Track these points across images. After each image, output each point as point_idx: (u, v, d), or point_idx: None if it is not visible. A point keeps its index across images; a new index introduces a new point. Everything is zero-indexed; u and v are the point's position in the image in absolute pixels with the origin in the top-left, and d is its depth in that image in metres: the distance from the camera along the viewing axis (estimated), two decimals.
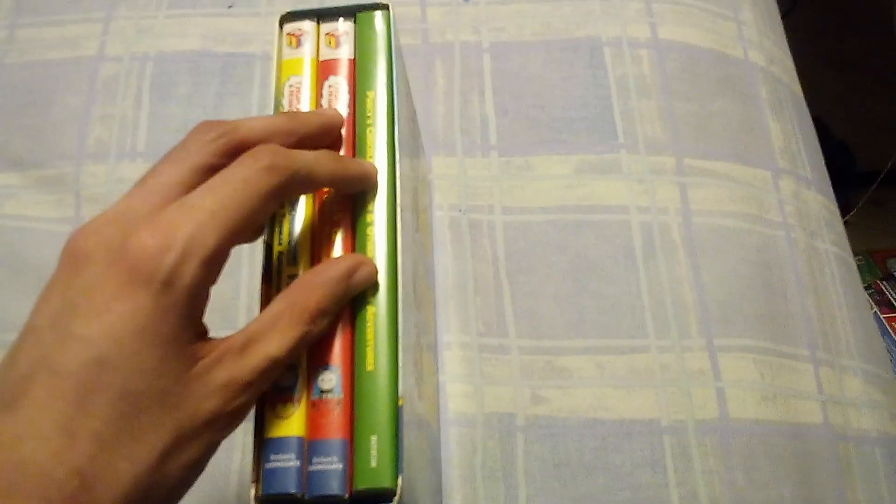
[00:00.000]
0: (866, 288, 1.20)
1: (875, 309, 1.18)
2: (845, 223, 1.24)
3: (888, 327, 1.17)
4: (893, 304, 1.18)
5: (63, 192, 0.51)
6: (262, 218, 0.26)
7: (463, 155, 0.51)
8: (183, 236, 0.23)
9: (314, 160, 0.28)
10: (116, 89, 0.54)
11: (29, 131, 0.54)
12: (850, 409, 0.46)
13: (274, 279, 0.30)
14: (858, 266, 1.20)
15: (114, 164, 0.52)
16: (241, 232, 0.25)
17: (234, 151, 0.27)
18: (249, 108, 0.53)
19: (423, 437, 0.35)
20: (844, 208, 1.24)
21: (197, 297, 0.24)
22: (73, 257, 0.24)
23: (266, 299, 0.29)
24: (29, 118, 0.54)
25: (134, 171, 0.51)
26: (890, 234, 1.26)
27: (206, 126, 0.27)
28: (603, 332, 0.45)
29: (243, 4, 0.58)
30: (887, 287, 1.20)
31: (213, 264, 0.24)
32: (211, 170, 0.26)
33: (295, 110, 0.32)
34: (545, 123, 0.52)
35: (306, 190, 0.29)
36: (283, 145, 0.28)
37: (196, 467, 0.25)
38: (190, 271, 0.23)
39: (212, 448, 0.25)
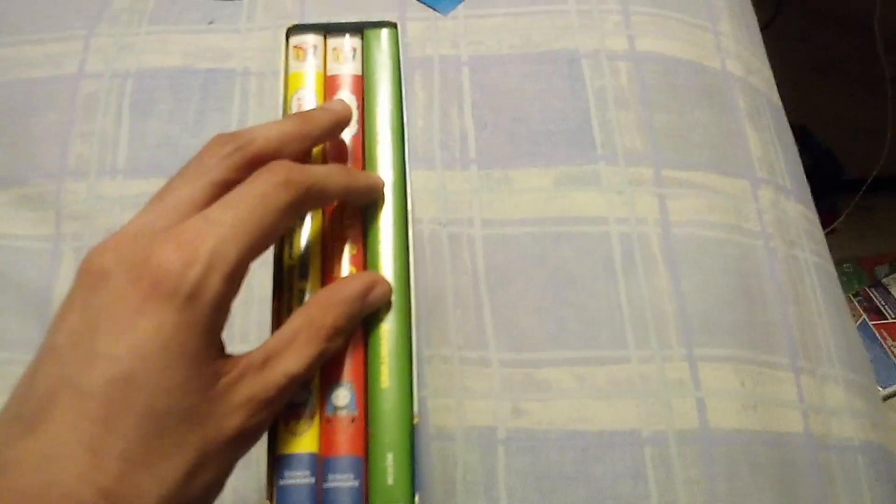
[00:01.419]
0: (854, 295, 1.21)
1: (864, 316, 1.19)
2: (832, 231, 1.25)
3: (877, 334, 1.17)
4: (882, 312, 1.19)
5: (44, 210, 0.51)
6: (279, 233, 0.27)
7: (442, 168, 0.51)
8: (206, 250, 0.24)
9: (326, 174, 0.28)
10: (97, 106, 0.54)
11: (9, 149, 0.54)
12: (832, 417, 0.46)
13: (285, 294, 0.30)
14: (846, 273, 1.22)
15: (94, 180, 0.52)
16: (260, 247, 0.25)
17: (250, 165, 0.27)
18: (229, 123, 0.53)
19: None
20: (832, 215, 1.25)
21: (219, 312, 0.24)
22: (91, 275, 0.24)
23: (277, 314, 0.30)
24: (9, 136, 0.54)
25: (114, 187, 0.51)
26: (877, 241, 1.26)
27: (221, 139, 0.27)
28: (583, 343, 0.45)
29: (223, 21, 0.58)
30: (875, 294, 1.21)
31: (236, 278, 0.25)
32: (228, 185, 0.26)
33: (304, 111, 0.32)
34: (524, 136, 0.52)
35: (320, 204, 0.30)
36: (299, 150, 0.29)
37: (217, 486, 0.25)
38: (213, 286, 0.24)
39: (231, 466, 0.25)
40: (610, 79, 0.54)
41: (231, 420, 0.24)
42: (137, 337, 0.23)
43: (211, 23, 0.58)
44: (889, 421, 0.49)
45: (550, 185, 0.50)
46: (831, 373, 0.47)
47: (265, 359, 0.26)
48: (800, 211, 0.54)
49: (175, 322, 0.23)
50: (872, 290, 1.22)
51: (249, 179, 0.26)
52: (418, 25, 0.57)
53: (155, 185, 0.50)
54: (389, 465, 0.27)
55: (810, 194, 0.56)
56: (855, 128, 1.30)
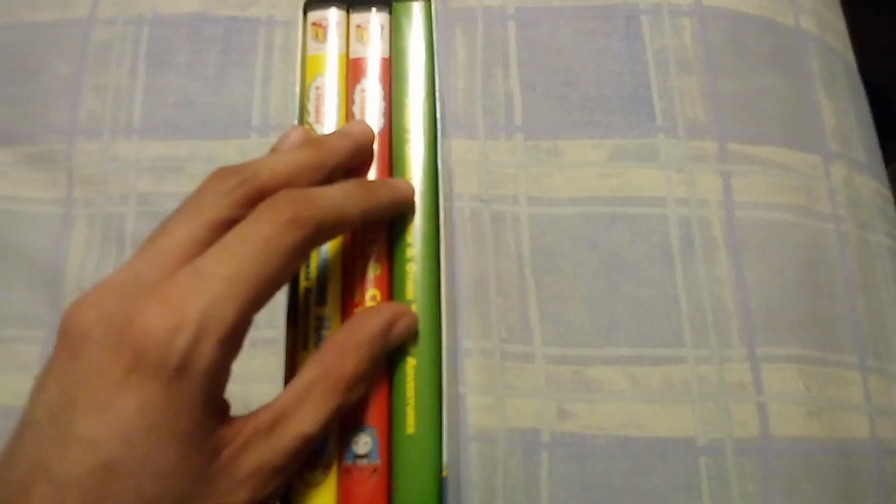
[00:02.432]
0: None
1: None
2: None
3: None
4: None
5: (55, 171, 0.47)
6: (286, 278, 0.23)
7: (485, 137, 0.46)
8: (196, 312, 0.20)
9: (342, 199, 0.24)
10: (110, 57, 0.50)
11: (17, 102, 0.49)
12: None
13: (301, 321, 0.26)
14: None
15: (108, 140, 0.48)
16: (264, 298, 0.22)
17: (254, 201, 0.23)
18: (253, 79, 0.48)
19: None
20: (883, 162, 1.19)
21: (215, 380, 0.21)
22: (69, 335, 0.21)
23: (292, 344, 0.26)
24: (16, 87, 0.50)
25: (130, 149, 0.47)
26: None
27: (222, 174, 0.23)
28: (636, 340, 0.42)
29: None
30: None
31: (233, 340, 0.21)
32: (228, 224, 0.23)
33: (314, 122, 0.28)
34: (576, 102, 0.47)
35: (337, 235, 0.25)
36: (311, 182, 0.24)
37: None
38: (206, 353, 0.20)
39: None
40: (672, 38, 0.49)
41: (238, 496, 0.21)
42: (119, 417, 0.19)
43: None
44: None
45: (604, 159, 0.46)
46: None
47: (274, 420, 0.22)
48: (873, 188, 0.49)
49: (163, 399, 0.20)
50: None
51: (250, 218, 0.22)
52: None
53: (173, 147, 0.47)
54: None
55: (884, 166, 0.52)
56: None
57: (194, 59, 0.50)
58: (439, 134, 0.28)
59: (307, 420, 0.23)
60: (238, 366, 0.22)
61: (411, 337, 0.26)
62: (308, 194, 0.23)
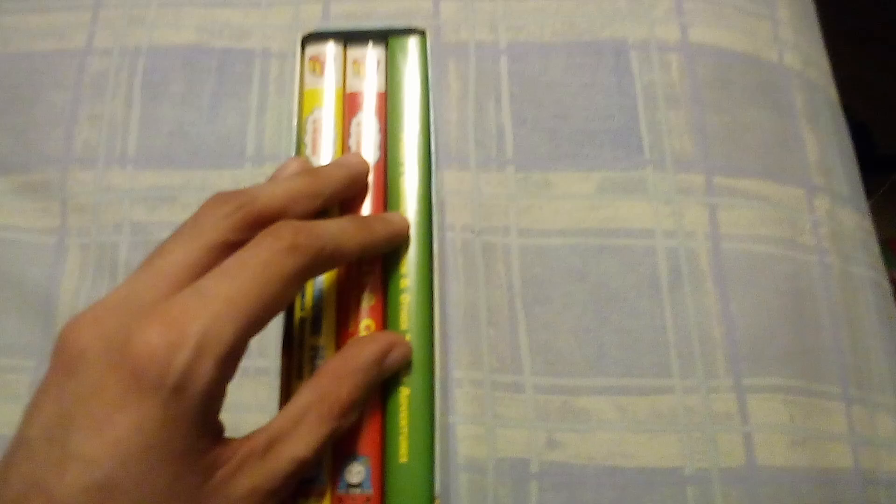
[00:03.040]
0: None
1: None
2: None
3: None
4: None
5: (49, 200, 0.48)
6: (285, 304, 0.23)
7: (477, 169, 0.47)
8: (195, 332, 0.20)
9: (340, 233, 0.25)
10: (105, 87, 0.51)
11: (11, 131, 0.50)
12: (882, 450, 0.43)
13: (295, 350, 0.27)
14: None
15: (103, 169, 0.48)
16: (262, 322, 0.22)
17: (253, 226, 0.24)
18: (247, 110, 0.49)
19: None
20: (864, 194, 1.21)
21: (212, 400, 0.21)
22: (66, 354, 0.21)
23: (286, 372, 0.26)
24: (12, 116, 0.50)
25: (124, 178, 0.47)
26: None
27: (220, 198, 0.24)
28: (624, 370, 0.42)
29: None
30: None
31: (230, 361, 0.22)
32: (227, 247, 0.23)
33: (310, 154, 0.29)
34: (566, 135, 0.48)
35: (332, 267, 0.26)
36: (308, 210, 0.25)
37: None
38: (204, 373, 0.20)
39: None
40: (660, 73, 0.50)
41: None
42: (117, 436, 0.20)
43: None
44: None
45: (593, 192, 0.46)
46: (883, 401, 0.45)
47: (269, 443, 0.23)
48: (856, 220, 0.50)
49: (160, 418, 0.20)
50: None
51: (251, 244, 0.23)
52: (452, 6, 0.52)
53: (167, 177, 0.47)
54: None
55: (865, 200, 0.53)
56: (891, 102, 1.25)
57: (189, 89, 0.50)
58: (433, 167, 0.29)
59: (302, 444, 0.23)
60: (229, 395, 0.23)
61: (405, 366, 0.26)
62: (307, 225, 0.24)
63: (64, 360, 0.21)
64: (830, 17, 1.31)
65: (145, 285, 0.22)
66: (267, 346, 0.42)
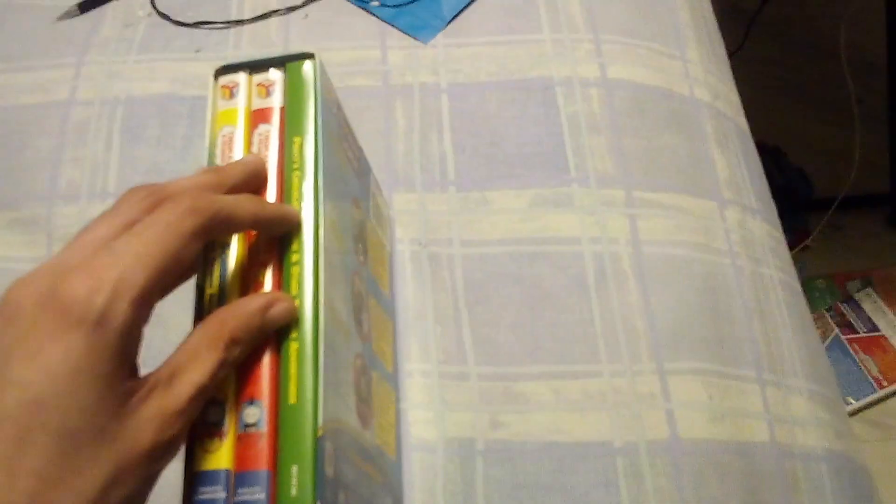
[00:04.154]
0: (827, 310, 1.24)
1: (836, 330, 1.22)
2: (805, 248, 1.28)
3: (849, 348, 1.20)
4: (853, 326, 1.22)
5: (35, 233, 0.53)
6: (187, 257, 0.28)
7: (423, 191, 0.53)
8: (111, 278, 0.25)
9: (234, 202, 0.29)
10: (87, 132, 0.56)
11: (2, 173, 0.55)
12: (797, 427, 0.48)
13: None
14: (819, 289, 1.25)
15: (85, 204, 0.53)
16: (169, 271, 0.27)
17: (161, 206, 0.28)
18: None
19: (372, 465, 0.36)
20: (804, 233, 1.28)
21: (129, 336, 0.25)
22: (8, 308, 0.25)
23: None
24: (2, 160, 0.56)
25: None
26: (849, 258, 1.30)
27: (136, 189, 0.29)
28: (558, 358, 0.47)
29: (210, 49, 0.60)
30: (847, 309, 1.24)
31: (143, 303, 0.26)
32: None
33: (221, 164, 0.34)
34: (501, 160, 0.54)
35: (230, 230, 0.31)
36: None
37: (136, 500, 0.26)
38: (121, 311, 0.25)
39: (150, 480, 0.27)
40: (582, 105, 0.56)
41: (143, 434, 0.25)
42: (48, 362, 0.24)
43: (198, 51, 0.60)
44: (853, 430, 0.51)
45: (526, 206, 0.52)
46: (796, 384, 0.50)
47: (171, 373, 0.27)
48: (766, 230, 0.56)
49: (85, 346, 0.24)
50: (844, 304, 1.24)
51: (156, 211, 0.27)
52: (399, 54, 0.59)
53: None
54: (294, 476, 0.28)
55: (776, 214, 0.59)
56: (825, 148, 1.34)
57: (163, 132, 0.56)
58: (320, 164, 0.34)
59: (197, 372, 0.27)
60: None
61: (290, 319, 0.30)
62: (206, 193, 0.29)
63: (5, 312, 0.25)
64: (766, 71, 1.42)
65: (72, 253, 0.27)
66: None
